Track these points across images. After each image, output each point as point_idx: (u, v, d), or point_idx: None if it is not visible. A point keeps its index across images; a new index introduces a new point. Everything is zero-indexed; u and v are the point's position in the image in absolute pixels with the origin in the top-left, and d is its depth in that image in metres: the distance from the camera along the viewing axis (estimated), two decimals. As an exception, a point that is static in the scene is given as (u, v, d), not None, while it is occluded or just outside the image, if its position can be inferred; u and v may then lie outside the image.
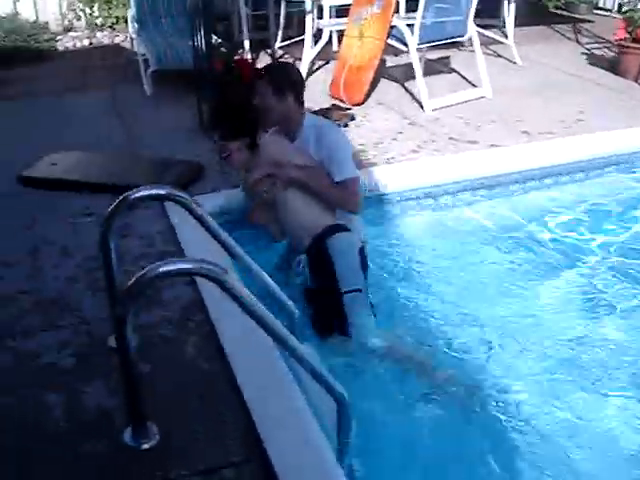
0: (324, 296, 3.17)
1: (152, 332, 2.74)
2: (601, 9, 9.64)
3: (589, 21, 8.92)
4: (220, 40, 5.13)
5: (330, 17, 6.70)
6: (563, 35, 8.28)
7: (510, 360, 3.14)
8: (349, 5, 6.18)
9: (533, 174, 4.61)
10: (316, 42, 6.35)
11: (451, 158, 4.55)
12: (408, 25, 5.47)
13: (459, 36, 5.71)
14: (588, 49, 7.50)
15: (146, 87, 5.93)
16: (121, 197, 2.39)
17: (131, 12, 6.56)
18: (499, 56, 7.03)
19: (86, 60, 7.32)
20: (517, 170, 4.58)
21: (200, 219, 2.52)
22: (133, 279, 1.85)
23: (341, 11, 6.68)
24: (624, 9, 6.57)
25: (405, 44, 5.46)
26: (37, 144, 4.83)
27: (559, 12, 9.44)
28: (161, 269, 1.87)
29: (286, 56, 7.10)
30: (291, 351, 2.06)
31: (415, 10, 6.17)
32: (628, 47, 6.22)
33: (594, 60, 7.02)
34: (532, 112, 5.42)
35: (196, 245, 3.17)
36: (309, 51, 6.20)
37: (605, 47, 7.50)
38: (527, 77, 6.40)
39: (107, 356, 2.57)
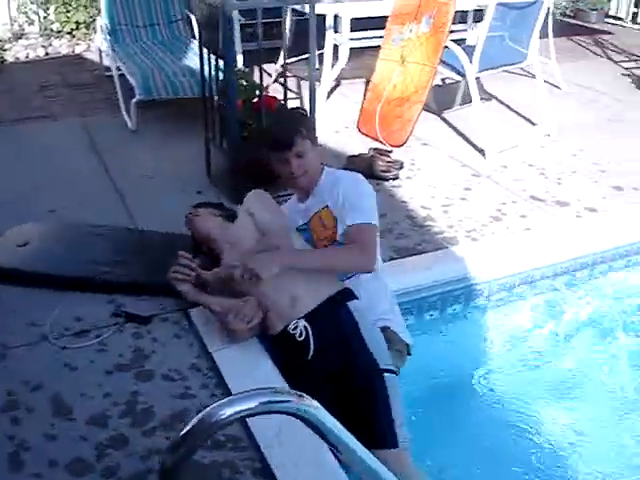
0: (350, 377, 2.30)
1: None
2: (612, 17, 8.79)
3: (607, 32, 8.03)
4: (238, 66, 3.93)
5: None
6: (587, 49, 7.36)
7: None
8: (371, 18, 5.12)
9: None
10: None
11: (552, 232, 3.52)
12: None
13: (519, 62, 4.67)
14: (626, 68, 6.57)
15: (128, 119, 4.70)
16: (190, 425, 1.32)
17: (102, 21, 5.33)
18: (533, 76, 6.00)
19: (43, 75, 6.00)
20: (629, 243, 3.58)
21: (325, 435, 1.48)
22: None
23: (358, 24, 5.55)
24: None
25: (459, 72, 4.40)
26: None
27: (566, 20, 8.52)
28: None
29: (287, 75, 5.95)
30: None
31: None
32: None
33: (633, 80, 6.09)
34: (609, 158, 4.42)
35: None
36: (329, 73, 5.08)
37: (645, 66, 6.62)
38: (582, 108, 5.41)
39: None
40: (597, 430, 2.83)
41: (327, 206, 2.59)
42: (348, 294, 2.48)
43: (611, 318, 3.42)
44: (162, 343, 2.61)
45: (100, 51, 5.75)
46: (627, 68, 6.60)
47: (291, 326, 2.40)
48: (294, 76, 5.75)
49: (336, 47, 5.34)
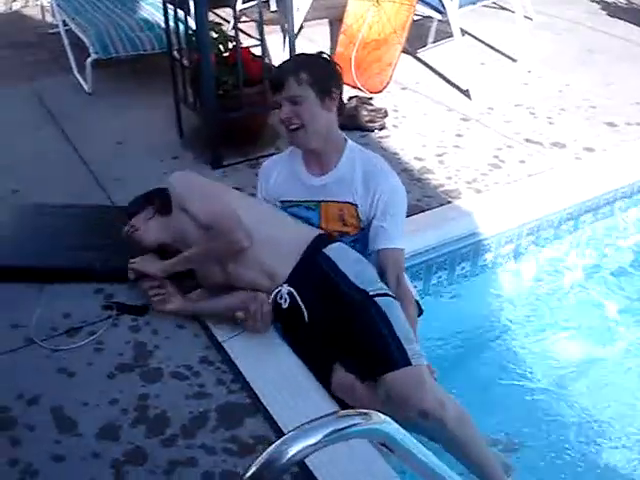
0: (344, 316, 2.16)
1: None
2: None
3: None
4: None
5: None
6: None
7: None
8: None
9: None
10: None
11: (556, 177, 3.34)
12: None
13: (498, -6, 4.43)
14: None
15: (82, 81, 4.33)
16: (260, 462, 1.08)
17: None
18: (502, 8, 5.73)
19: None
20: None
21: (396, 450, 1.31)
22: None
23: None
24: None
25: (437, 10, 4.14)
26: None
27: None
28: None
29: (244, 19, 5.60)
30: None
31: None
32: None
33: (603, 6, 5.89)
34: (597, 92, 4.26)
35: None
36: (296, 15, 4.72)
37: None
38: (558, 39, 5.18)
39: None
40: (609, 376, 2.76)
41: (356, 206, 2.35)
42: (322, 241, 2.31)
43: (621, 261, 3.31)
44: (164, 336, 2.37)
45: (42, 7, 5.30)
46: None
47: (277, 297, 2.26)
48: (252, 20, 5.40)
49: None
